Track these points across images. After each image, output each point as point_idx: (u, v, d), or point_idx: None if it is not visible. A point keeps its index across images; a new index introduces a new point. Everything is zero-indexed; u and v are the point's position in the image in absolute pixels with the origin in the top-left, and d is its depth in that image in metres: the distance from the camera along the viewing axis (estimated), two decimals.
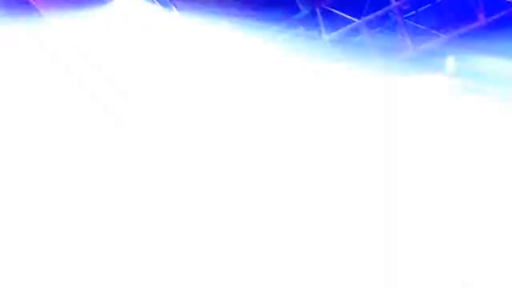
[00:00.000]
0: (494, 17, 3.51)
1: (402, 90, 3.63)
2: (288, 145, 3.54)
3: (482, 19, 3.55)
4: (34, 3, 2.88)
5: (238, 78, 3.67)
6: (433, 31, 3.72)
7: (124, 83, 3.48)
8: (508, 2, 3.47)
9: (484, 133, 3.15)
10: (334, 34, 3.84)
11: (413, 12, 3.78)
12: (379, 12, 3.72)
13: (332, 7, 3.86)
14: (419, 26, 3.78)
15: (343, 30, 3.83)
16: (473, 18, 3.58)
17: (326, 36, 3.87)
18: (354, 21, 3.79)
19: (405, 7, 3.73)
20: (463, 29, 3.59)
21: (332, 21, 3.90)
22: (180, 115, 3.58)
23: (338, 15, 3.85)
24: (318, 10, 3.89)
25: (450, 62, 1.40)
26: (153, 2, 3.67)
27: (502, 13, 3.50)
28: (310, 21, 3.95)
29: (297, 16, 3.95)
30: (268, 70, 3.75)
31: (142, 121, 3.51)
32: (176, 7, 3.57)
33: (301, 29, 4.00)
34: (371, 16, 3.76)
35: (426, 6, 3.78)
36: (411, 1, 3.68)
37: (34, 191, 3.26)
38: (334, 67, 3.78)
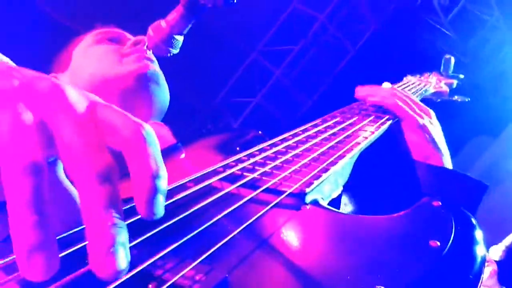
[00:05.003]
0: None
1: None
2: None
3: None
4: None
5: None
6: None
7: None
8: None
9: None
10: (240, 119, 4.13)
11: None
12: (268, 85, 4.10)
13: (233, 98, 4.21)
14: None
15: (246, 112, 4.14)
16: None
17: (234, 123, 4.15)
18: (252, 100, 4.12)
19: (286, 71, 4.12)
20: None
21: (236, 108, 4.22)
22: None
23: (238, 101, 4.18)
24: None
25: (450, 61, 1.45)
26: None
27: None
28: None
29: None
30: None
31: None
32: None
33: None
34: (263, 91, 4.12)
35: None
36: (287, 65, 4.07)
37: None
38: None
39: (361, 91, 0.98)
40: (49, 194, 0.32)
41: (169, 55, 0.87)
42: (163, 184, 0.34)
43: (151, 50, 1.04)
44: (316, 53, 4.09)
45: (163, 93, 1.04)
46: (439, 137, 0.88)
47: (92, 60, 1.00)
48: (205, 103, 4.21)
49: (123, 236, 0.32)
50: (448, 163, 0.85)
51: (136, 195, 0.33)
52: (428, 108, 0.93)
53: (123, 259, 0.31)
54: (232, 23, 3.62)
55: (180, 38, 0.86)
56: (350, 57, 3.95)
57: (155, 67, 1.03)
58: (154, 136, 0.36)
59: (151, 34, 0.85)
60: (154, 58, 1.05)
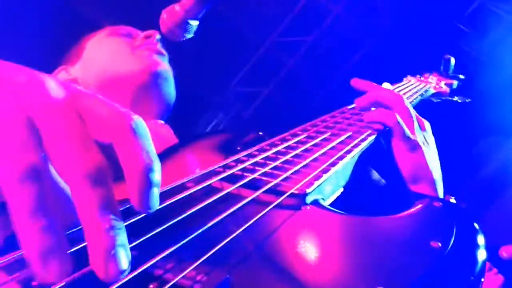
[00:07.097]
0: None
1: None
2: None
3: None
4: None
5: None
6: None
7: None
8: None
9: None
10: (251, 109, 4.14)
11: None
12: (281, 75, 4.08)
13: (245, 87, 4.21)
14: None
15: (257, 102, 4.13)
16: None
17: (245, 113, 4.16)
18: (264, 90, 4.11)
19: (298, 62, 4.09)
20: None
21: (247, 98, 4.22)
22: None
23: (250, 90, 4.17)
24: None
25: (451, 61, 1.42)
26: None
27: None
28: None
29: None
30: None
31: None
32: None
33: None
34: (275, 82, 4.11)
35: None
36: (300, 56, 4.05)
37: None
38: None
39: (361, 85, 0.90)
40: (52, 192, 0.31)
41: (182, 39, 0.86)
42: (156, 177, 0.33)
43: (160, 44, 1.05)
44: (330, 46, 4.05)
45: (171, 89, 1.06)
46: (433, 160, 0.81)
47: (104, 52, 1.01)
48: (216, 92, 4.21)
49: (121, 238, 0.31)
50: (439, 189, 0.79)
51: (130, 189, 0.32)
52: (424, 121, 0.87)
53: (124, 260, 0.31)
54: (247, 12, 3.59)
55: (194, 23, 0.84)
56: (364, 52, 3.90)
57: (165, 64, 1.04)
58: (145, 127, 0.34)
59: (165, 17, 0.83)
60: (164, 52, 1.05)
